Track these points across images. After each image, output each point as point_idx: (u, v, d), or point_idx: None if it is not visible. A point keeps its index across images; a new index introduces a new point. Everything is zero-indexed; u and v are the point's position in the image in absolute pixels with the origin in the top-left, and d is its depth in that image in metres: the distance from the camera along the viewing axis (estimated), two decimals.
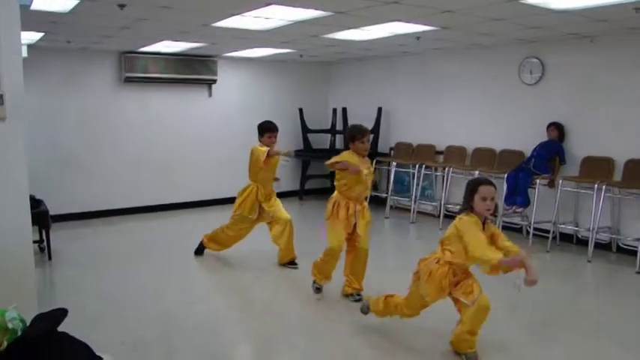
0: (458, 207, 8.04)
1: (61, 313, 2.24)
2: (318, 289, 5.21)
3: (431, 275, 3.76)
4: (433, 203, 8.77)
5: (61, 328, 2.16)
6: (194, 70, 9.23)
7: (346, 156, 4.98)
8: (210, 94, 9.70)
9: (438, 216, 8.38)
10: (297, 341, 4.36)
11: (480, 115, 8.27)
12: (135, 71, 8.62)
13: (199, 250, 6.56)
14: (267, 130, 6.07)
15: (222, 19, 5.84)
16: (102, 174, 8.69)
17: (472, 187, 3.73)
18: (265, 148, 5.92)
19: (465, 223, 3.67)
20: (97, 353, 2.21)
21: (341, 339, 4.36)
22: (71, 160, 8.43)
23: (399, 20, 5.75)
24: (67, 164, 8.39)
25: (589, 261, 6.52)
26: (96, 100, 8.58)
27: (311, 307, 5.06)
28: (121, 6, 5.00)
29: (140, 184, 9.03)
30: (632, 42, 6.54)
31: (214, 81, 9.52)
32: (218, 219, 8.86)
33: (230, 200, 9.73)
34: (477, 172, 7.59)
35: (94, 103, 8.57)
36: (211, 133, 9.69)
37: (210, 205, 9.66)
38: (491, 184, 3.74)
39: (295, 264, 6.13)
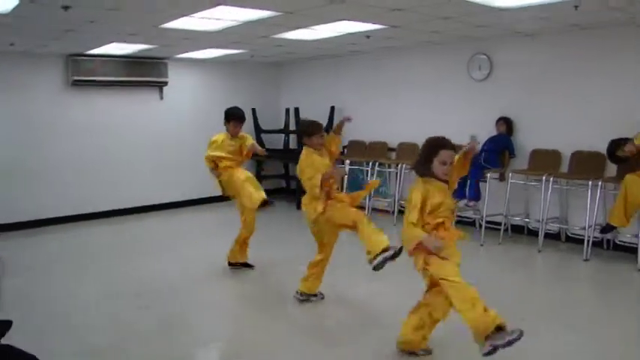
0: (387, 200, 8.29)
1: (4, 325, 2.16)
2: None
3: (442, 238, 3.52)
4: (387, 200, 8.85)
5: (6, 341, 2.10)
6: (144, 73, 9.11)
7: (313, 159, 4.78)
8: (161, 97, 9.59)
9: (393, 212, 8.47)
10: (256, 343, 4.36)
11: (431, 111, 8.38)
12: (82, 74, 8.44)
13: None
14: (234, 117, 5.87)
15: (172, 21, 5.78)
16: (49, 181, 8.46)
17: (432, 149, 3.59)
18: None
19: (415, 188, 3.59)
20: None
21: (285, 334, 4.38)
22: (16, 168, 8.18)
23: (347, 19, 5.79)
24: (11, 172, 8.13)
25: (539, 251, 6.69)
26: (41, 104, 8.37)
27: (268, 306, 5.06)
28: (65, 7, 4.88)
29: (89, 190, 8.83)
30: (573, 39, 6.74)
31: (165, 83, 9.41)
32: (171, 222, 8.85)
33: (183, 203, 9.73)
34: (399, 165, 7.73)
35: (39, 107, 8.35)
36: (163, 135, 9.57)
37: (163, 209, 9.55)
38: (452, 147, 3.62)
39: (250, 266, 6.03)
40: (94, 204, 8.90)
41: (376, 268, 4.13)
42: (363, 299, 5.15)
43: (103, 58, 8.58)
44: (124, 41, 7.21)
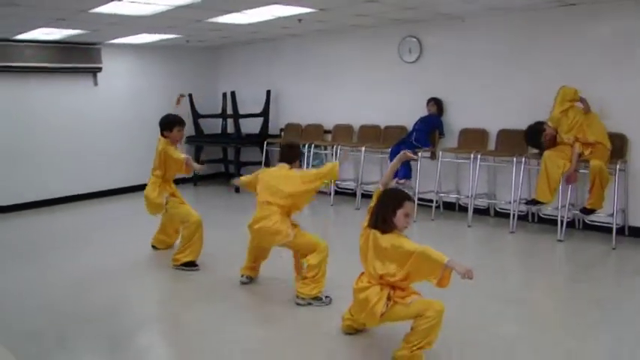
0: (348, 182, 8.49)
1: None
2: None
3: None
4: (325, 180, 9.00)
5: None
6: (77, 59, 8.93)
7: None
8: (95, 83, 9.43)
9: (330, 194, 8.64)
10: (195, 323, 4.45)
11: (365, 93, 8.57)
12: (9, 60, 8.19)
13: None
14: (177, 123, 5.73)
15: (101, 5, 5.72)
16: None
17: (397, 202, 3.52)
18: (183, 157, 5.62)
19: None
20: None
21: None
22: None
23: (277, 3, 5.87)
24: None
25: (469, 226, 6.99)
26: None
27: (197, 291, 5.15)
28: None
29: (19, 181, 8.61)
30: (500, 22, 7.02)
31: (99, 69, 9.26)
32: (104, 211, 8.77)
33: (119, 191, 9.63)
34: (363, 149, 7.91)
35: None
36: (98, 122, 9.43)
37: (98, 196, 9.44)
38: (412, 199, 3.67)
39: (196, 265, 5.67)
40: (24, 194, 8.68)
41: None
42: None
43: (32, 44, 8.37)
44: (53, 26, 7.07)
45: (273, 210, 4.55)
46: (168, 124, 5.69)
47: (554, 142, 6.24)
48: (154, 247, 6.27)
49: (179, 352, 3.98)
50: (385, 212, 3.54)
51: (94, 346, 4.02)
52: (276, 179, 4.64)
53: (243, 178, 5.09)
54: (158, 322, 4.54)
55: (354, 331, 3.96)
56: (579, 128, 6.07)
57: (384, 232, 3.53)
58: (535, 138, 6.37)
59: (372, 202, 3.68)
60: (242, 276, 5.10)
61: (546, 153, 6.20)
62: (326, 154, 9.02)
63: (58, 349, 3.98)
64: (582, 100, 6.12)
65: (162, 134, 5.70)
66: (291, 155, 4.80)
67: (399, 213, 3.49)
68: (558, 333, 4.03)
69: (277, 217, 4.53)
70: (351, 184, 8.58)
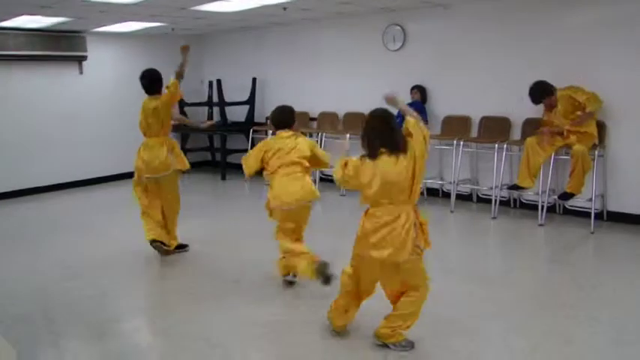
0: (332, 169, 8.54)
1: None
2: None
3: None
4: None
5: None
6: (61, 47, 8.93)
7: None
8: (81, 71, 9.44)
9: (315, 180, 8.71)
10: (181, 311, 4.53)
11: (349, 81, 8.64)
12: None
13: None
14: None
15: None
16: None
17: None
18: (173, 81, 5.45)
19: None
20: None
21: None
22: None
23: None
24: None
25: (452, 211, 7.10)
26: None
27: (193, 273, 5.23)
28: None
29: (7, 168, 8.62)
30: (481, 9, 7.11)
31: (84, 57, 9.27)
32: (92, 198, 8.81)
33: (106, 179, 9.66)
34: (348, 136, 7.97)
35: None
36: (84, 110, 9.44)
37: (85, 184, 9.47)
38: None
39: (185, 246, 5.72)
40: (10, 182, 8.69)
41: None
42: None
43: (17, 32, 8.35)
44: (37, 14, 7.06)
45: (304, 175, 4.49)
46: (160, 80, 5.64)
47: (550, 109, 6.26)
48: (158, 245, 5.43)
49: (164, 339, 4.05)
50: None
51: (82, 331, 4.07)
52: (288, 141, 4.54)
53: (249, 164, 4.62)
54: (145, 309, 4.61)
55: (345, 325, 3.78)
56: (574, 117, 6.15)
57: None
58: (541, 94, 6.22)
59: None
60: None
61: (529, 140, 6.30)
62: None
63: (47, 333, 4.04)
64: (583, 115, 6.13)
65: (154, 93, 5.52)
66: (291, 118, 4.70)
67: None
68: (535, 312, 4.16)
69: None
70: None
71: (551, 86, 6.19)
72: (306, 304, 4.39)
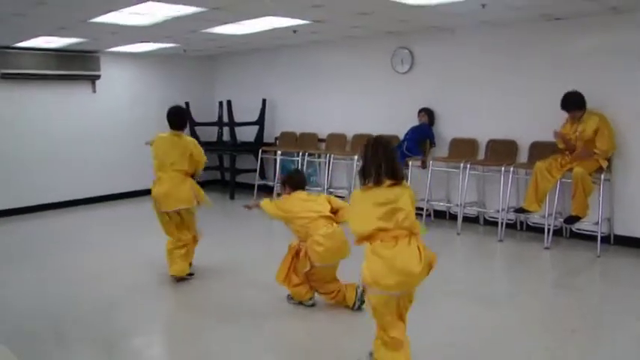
0: (341, 191, 8.63)
1: None
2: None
3: None
4: (318, 188, 9.15)
5: None
6: (76, 66, 9.09)
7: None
8: (94, 90, 9.59)
9: None
10: (189, 321, 4.58)
11: (358, 103, 8.74)
12: (11, 67, 8.37)
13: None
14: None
15: (100, 15, 5.90)
16: None
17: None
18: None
19: None
20: None
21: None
22: None
23: (272, 15, 6.04)
24: None
25: (458, 233, 7.13)
26: None
27: (193, 295, 5.29)
28: None
29: (20, 184, 8.76)
30: (489, 34, 7.19)
31: (98, 77, 9.42)
32: (104, 215, 8.92)
33: (117, 197, 9.78)
34: (355, 157, 8.06)
35: None
36: (96, 129, 9.58)
37: (95, 202, 9.58)
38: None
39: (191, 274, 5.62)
40: (21, 199, 8.82)
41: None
42: None
43: (33, 51, 8.54)
44: (54, 35, 7.24)
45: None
46: (185, 119, 5.73)
47: (573, 122, 6.26)
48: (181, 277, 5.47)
49: (172, 356, 4.11)
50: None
51: (90, 347, 4.13)
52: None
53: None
54: (153, 324, 4.66)
55: None
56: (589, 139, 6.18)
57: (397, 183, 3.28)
58: (576, 104, 6.18)
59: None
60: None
61: (538, 164, 6.32)
62: (319, 163, 9.17)
63: (55, 348, 4.10)
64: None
65: (179, 128, 5.52)
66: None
67: None
68: (540, 336, 4.17)
69: None
70: (344, 192, 8.71)
71: (585, 102, 6.21)
72: (322, 328, 4.43)
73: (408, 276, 3.20)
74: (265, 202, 4.75)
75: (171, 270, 5.39)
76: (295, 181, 4.78)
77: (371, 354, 3.52)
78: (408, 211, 3.24)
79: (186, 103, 10.32)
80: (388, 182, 3.25)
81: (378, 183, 3.26)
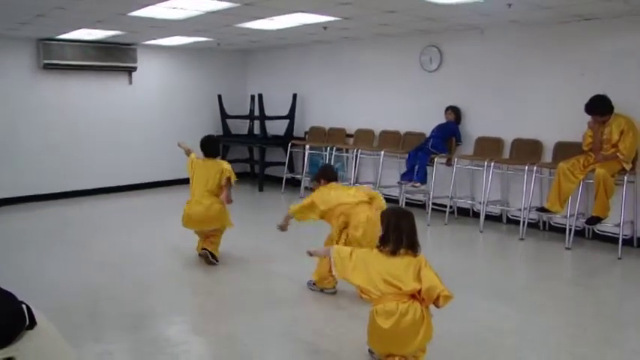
0: (367, 185, 8.74)
1: None
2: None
3: None
4: (345, 183, 9.27)
5: None
6: (114, 58, 9.40)
7: None
8: (130, 82, 9.89)
9: None
10: (214, 305, 4.79)
11: (386, 99, 8.86)
12: (53, 58, 8.72)
13: None
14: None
15: (138, 9, 6.13)
16: (21, 161, 8.76)
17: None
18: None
19: None
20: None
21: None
22: None
23: (302, 11, 6.21)
24: None
25: (481, 231, 7.21)
26: (13, 87, 8.64)
27: (232, 276, 5.49)
28: None
29: (60, 170, 9.14)
30: (515, 33, 7.25)
31: (134, 68, 9.72)
32: (138, 203, 9.21)
33: (151, 185, 10.08)
34: (382, 153, 8.19)
35: (11, 90, 8.62)
36: (132, 119, 9.90)
37: (131, 189, 9.90)
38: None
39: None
40: (63, 184, 9.21)
41: None
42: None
43: (74, 43, 8.86)
44: (93, 27, 7.52)
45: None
46: (218, 148, 6.12)
47: (601, 124, 6.25)
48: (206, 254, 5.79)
49: (195, 335, 4.31)
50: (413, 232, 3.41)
51: (120, 323, 4.37)
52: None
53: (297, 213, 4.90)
54: (179, 306, 4.88)
55: None
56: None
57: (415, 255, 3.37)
58: (603, 108, 6.19)
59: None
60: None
61: (561, 166, 6.35)
62: (347, 157, 9.31)
63: (88, 323, 4.35)
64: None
65: (213, 156, 5.89)
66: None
67: None
68: (552, 331, 4.26)
69: None
70: (370, 187, 8.84)
71: (611, 106, 6.21)
72: (340, 315, 4.59)
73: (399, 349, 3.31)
74: (293, 208, 4.88)
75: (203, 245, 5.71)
76: (330, 173, 5.04)
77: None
78: (412, 288, 3.24)
79: (219, 96, 10.58)
80: (403, 252, 3.33)
81: (394, 253, 3.34)
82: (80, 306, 4.66)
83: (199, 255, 5.79)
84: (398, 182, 7.98)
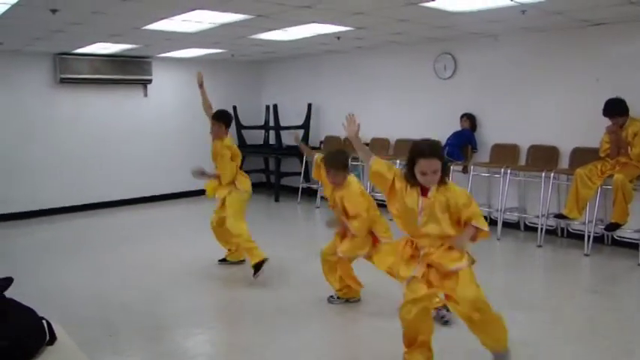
0: (381, 194, 8.74)
1: (6, 281, 2.56)
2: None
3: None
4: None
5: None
6: (129, 71, 9.50)
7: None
8: (145, 94, 9.98)
9: None
10: (231, 317, 4.80)
11: (401, 108, 8.87)
12: (70, 72, 8.83)
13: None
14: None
15: (152, 23, 6.20)
16: (38, 175, 8.85)
17: (411, 156, 3.32)
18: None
19: None
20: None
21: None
22: (6, 162, 8.58)
23: (316, 22, 6.24)
24: (2, 166, 8.55)
25: (498, 239, 7.16)
26: (31, 101, 8.76)
27: (245, 286, 5.51)
28: (54, 11, 5.30)
29: (77, 183, 9.23)
30: (532, 40, 7.22)
31: (149, 81, 9.81)
32: (153, 214, 9.27)
33: (166, 197, 10.13)
34: (398, 161, 8.17)
35: (29, 104, 8.74)
36: (147, 131, 9.98)
37: (147, 201, 9.99)
38: (433, 154, 3.26)
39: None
40: (80, 197, 9.29)
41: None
42: None
43: (90, 57, 8.98)
44: (109, 41, 7.61)
45: None
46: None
47: (618, 127, 6.20)
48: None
49: (210, 346, 4.32)
50: (408, 165, 3.36)
51: (136, 335, 4.39)
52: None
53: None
54: (198, 315, 4.89)
55: None
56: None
57: (411, 185, 3.37)
58: (619, 109, 6.17)
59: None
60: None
61: (579, 172, 6.30)
62: (363, 167, 9.30)
63: (105, 335, 4.37)
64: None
65: (225, 127, 5.82)
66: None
67: (416, 170, 3.29)
68: (569, 340, 4.22)
69: None
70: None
71: (627, 109, 6.19)
72: (359, 327, 4.58)
73: None
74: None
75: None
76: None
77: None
78: None
79: (234, 107, 10.61)
80: None
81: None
82: (99, 318, 4.70)
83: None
84: None
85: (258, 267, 5.46)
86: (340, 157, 4.71)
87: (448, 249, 3.40)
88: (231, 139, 5.93)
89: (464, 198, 3.36)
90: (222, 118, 5.81)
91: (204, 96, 6.20)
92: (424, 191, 3.36)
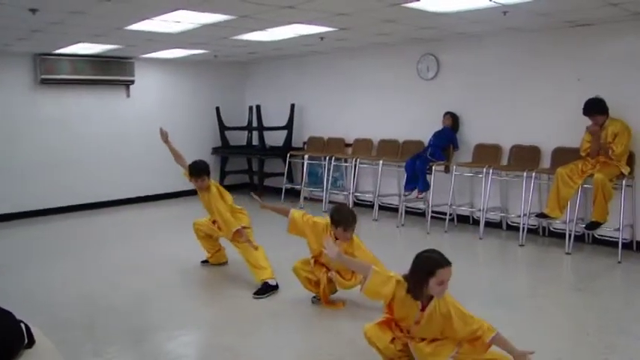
0: (367, 195, 8.76)
1: None
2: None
3: None
4: (344, 192, 9.31)
5: None
6: (111, 71, 9.44)
7: None
8: (128, 95, 9.92)
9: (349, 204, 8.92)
10: (215, 318, 4.78)
11: (384, 108, 8.89)
12: (51, 73, 8.75)
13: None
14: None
15: (134, 23, 6.17)
16: (18, 176, 8.75)
17: (427, 270, 3.22)
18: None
19: None
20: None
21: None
22: None
23: (299, 22, 6.23)
24: None
25: (480, 238, 7.21)
26: (11, 102, 8.65)
27: (223, 290, 5.48)
28: (33, 10, 5.24)
29: (58, 185, 9.13)
30: (513, 41, 7.29)
31: (132, 82, 9.75)
32: (136, 216, 9.20)
33: (150, 198, 10.07)
34: (381, 162, 8.19)
35: (9, 105, 8.63)
36: (130, 132, 9.90)
37: (131, 202, 9.92)
38: (448, 262, 3.26)
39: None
40: (63, 198, 9.21)
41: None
42: None
43: (71, 57, 8.90)
44: (91, 42, 7.55)
45: None
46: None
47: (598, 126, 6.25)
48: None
49: (196, 349, 4.30)
50: (417, 278, 3.28)
51: (120, 337, 4.36)
52: None
53: None
54: (182, 317, 4.86)
55: None
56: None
57: (415, 298, 3.35)
58: (598, 109, 6.23)
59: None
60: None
61: (559, 171, 6.37)
62: (346, 167, 9.32)
63: (87, 337, 4.34)
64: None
65: (205, 177, 5.68)
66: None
67: (432, 281, 3.21)
68: (552, 337, 4.25)
69: None
70: (369, 196, 8.86)
71: (607, 108, 6.25)
72: (344, 328, 4.58)
73: None
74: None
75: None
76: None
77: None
78: None
79: (217, 108, 10.60)
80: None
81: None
82: (80, 320, 4.66)
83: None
84: (404, 194, 7.98)
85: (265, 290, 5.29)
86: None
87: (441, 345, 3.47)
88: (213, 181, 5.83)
89: (461, 321, 3.38)
90: (203, 172, 5.67)
91: (173, 150, 6.04)
92: (423, 306, 3.37)
